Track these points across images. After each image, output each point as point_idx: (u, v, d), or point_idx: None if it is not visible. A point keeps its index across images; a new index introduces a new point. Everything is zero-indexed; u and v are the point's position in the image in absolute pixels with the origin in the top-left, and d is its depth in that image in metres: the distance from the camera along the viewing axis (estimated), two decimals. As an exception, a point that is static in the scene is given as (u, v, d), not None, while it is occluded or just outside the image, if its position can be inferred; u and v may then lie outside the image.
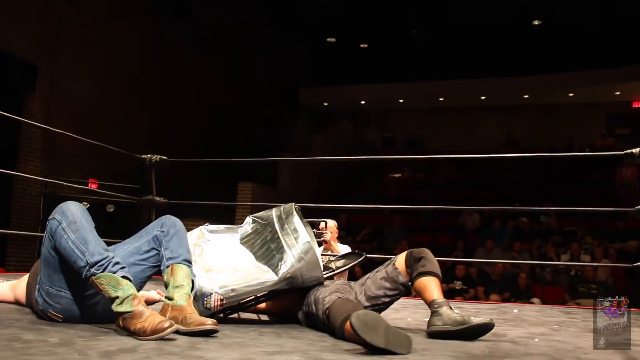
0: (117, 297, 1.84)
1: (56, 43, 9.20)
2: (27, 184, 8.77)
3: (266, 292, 2.33)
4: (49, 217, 2.04)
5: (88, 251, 1.90)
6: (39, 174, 8.50)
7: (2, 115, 4.11)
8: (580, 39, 13.26)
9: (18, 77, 8.63)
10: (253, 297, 2.34)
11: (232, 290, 2.24)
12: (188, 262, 2.14)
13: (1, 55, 8.23)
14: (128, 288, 1.87)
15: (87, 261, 1.89)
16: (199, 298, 2.22)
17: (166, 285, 2.07)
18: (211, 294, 2.23)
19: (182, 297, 2.00)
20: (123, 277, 1.89)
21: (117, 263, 1.92)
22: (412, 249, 2.42)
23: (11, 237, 8.47)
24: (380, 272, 2.42)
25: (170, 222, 2.22)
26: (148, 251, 2.18)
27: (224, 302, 2.24)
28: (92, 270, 1.88)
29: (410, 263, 2.34)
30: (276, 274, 2.28)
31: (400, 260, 2.38)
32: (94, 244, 1.92)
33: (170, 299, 2.01)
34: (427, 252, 2.37)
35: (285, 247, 2.33)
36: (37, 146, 8.95)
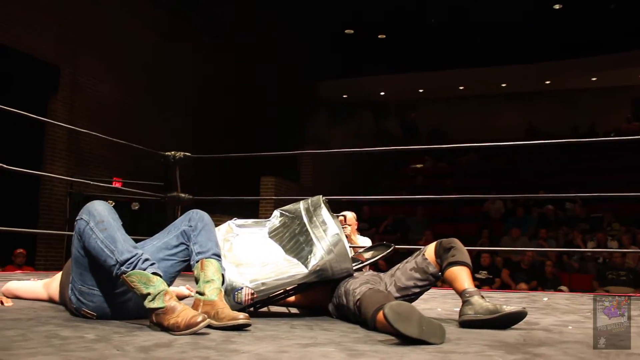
0: (148, 294, 1.86)
1: (76, 44, 9.30)
2: (53, 184, 8.90)
3: (296, 285, 2.33)
4: (77, 218, 2.05)
5: (117, 250, 1.91)
6: (64, 173, 8.63)
7: (28, 116, 4.18)
8: (601, 22, 13.04)
9: (41, 78, 8.75)
10: (283, 290, 2.35)
11: (263, 284, 2.24)
12: (217, 256, 2.14)
13: (24, 58, 8.35)
14: (159, 284, 1.88)
15: (116, 260, 1.90)
16: (230, 292, 2.23)
17: (197, 280, 2.08)
18: (242, 288, 2.24)
19: (213, 292, 2.01)
20: (153, 273, 1.90)
21: (146, 260, 1.93)
22: (441, 239, 2.41)
23: (39, 236, 8.62)
24: (409, 263, 2.41)
25: (198, 216, 2.22)
26: (177, 246, 2.19)
27: (255, 296, 2.24)
28: (123, 268, 1.89)
29: (440, 253, 2.33)
30: (306, 266, 2.28)
31: (429, 250, 2.38)
32: (122, 242, 1.93)
33: (201, 294, 2.01)
34: (457, 242, 2.36)
35: (314, 240, 2.32)
36: (62, 146, 9.07)
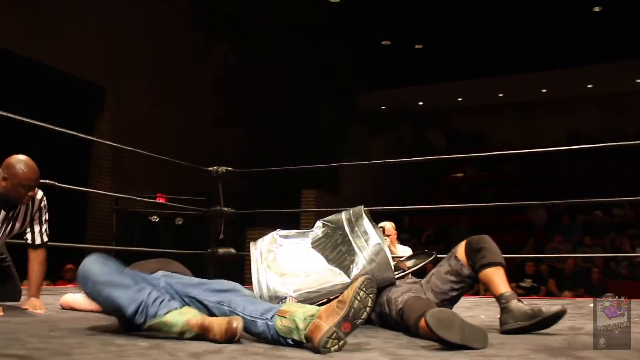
0: (176, 333, 1.83)
1: (121, 66, 9.58)
2: (99, 202, 9.15)
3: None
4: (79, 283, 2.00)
5: (122, 305, 1.86)
6: (109, 190, 8.85)
7: (76, 135, 4.33)
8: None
9: (87, 99, 9.04)
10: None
11: (307, 293, 2.29)
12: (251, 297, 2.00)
13: (71, 79, 8.64)
14: (177, 320, 1.83)
15: (127, 314, 1.86)
16: (274, 302, 2.28)
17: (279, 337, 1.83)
18: (286, 297, 2.29)
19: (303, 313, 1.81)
20: (166, 312, 1.85)
21: (155, 300, 1.86)
22: (470, 237, 2.38)
23: (87, 253, 8.86)
24: (443, 267, 2.41)
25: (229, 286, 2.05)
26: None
27: (299, 305, 2.29)
28: (136, 320, 1.86)
29: (470, 254, 2.31)
30: (348, 276, 2.32)
31: (460, 251, 2.36)
32: (124, 295, 1.87)
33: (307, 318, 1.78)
34: (486, 241, 2.33)
35: (356, 249, 2.36)
36: (107, 164, 9.33)
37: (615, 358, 1.59)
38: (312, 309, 1.79)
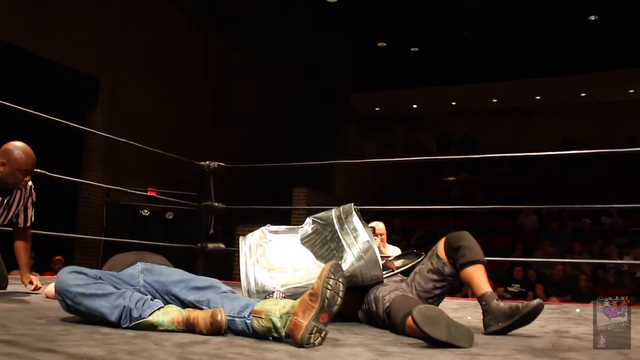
0: (165, 331, 1.81)
1: (117, 59, 9.55)
2: (90, 194, 9.11)
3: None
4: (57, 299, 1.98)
5: (105, 314, 1.85)
6: (101, 183, 8.82)
7: (70, 126, 4.32)
8: (638, 33, 12.84)
9: (81, 91, 9.00)
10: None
11: (294, 288, 2.30)
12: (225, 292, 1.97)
13: (66, 71, 8.60)
14: (162, 320, 1.83)
15: (111, 321, 1.85)
16: (262, 296, 2.29)
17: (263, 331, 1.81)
18: (273, 292, 2.30)
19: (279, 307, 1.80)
20: (150, 314, 1.84)
21: (137, 303, 1.85)
22: (449, 234, 2.37)
23: (77, 244, 8.83)
24: (425, 265, 2.41)
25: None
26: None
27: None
28: (121, 325, 1.84)
29: (450, 253, 2.30)
30: (337, 272, 2.32)
31: (440, 249, 2.35)
32: (105, 304, 1.86)
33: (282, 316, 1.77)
34: (465, 238, 2.31)
35: (345, 246, 2.37)
36: (100, 157, 9.30)
37: (599, 360, 1.60)
38: (287, 305, 1.76)
